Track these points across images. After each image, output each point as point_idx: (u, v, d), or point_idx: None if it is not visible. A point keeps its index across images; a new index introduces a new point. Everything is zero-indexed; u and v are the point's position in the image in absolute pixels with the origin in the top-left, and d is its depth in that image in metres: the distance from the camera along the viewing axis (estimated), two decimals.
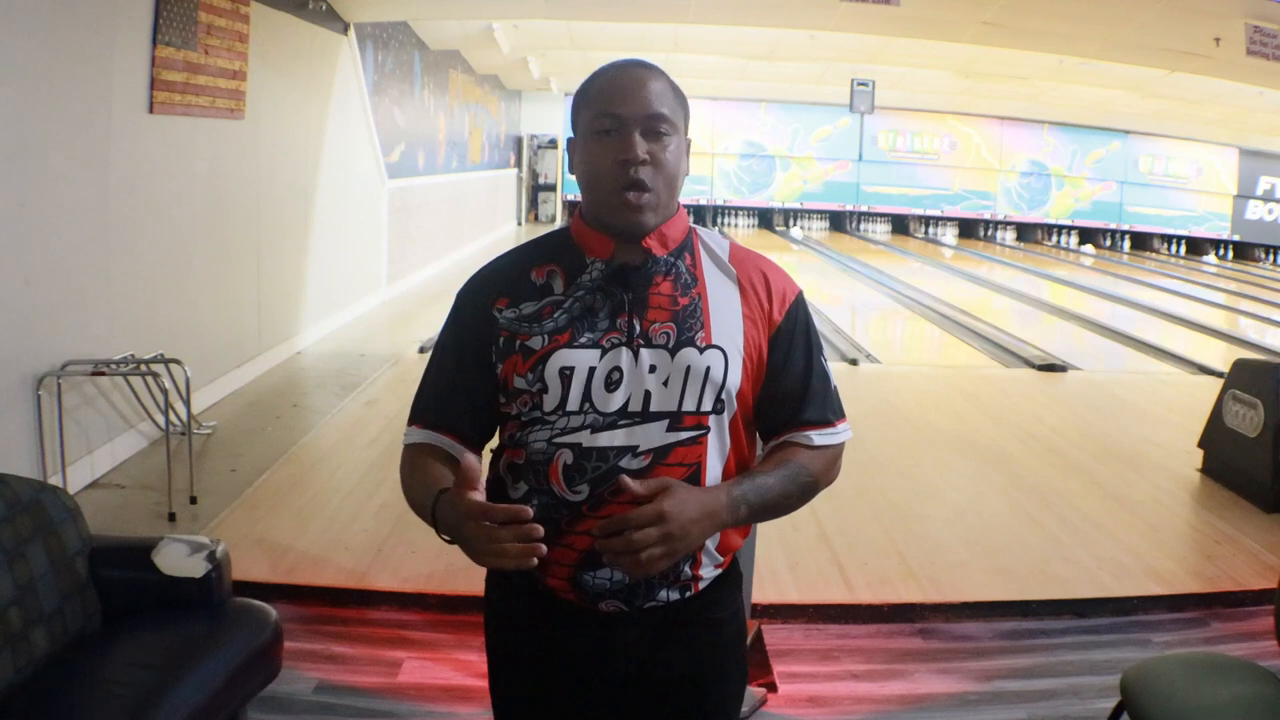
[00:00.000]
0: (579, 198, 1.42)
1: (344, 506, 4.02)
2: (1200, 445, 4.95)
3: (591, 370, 1.33)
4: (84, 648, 2.21)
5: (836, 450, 1.45)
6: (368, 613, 3.24)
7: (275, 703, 2.63)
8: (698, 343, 1.35)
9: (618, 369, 1.33)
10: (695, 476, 1.34)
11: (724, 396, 1.35)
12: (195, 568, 2.38)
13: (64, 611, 2.22)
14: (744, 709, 2.70)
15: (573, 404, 1.33)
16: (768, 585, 3.35)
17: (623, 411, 1.33)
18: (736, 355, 1.37)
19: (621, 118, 1.33)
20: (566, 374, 1.33)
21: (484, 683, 1.53)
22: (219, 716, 2.19)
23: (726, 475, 1.38)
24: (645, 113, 1.33)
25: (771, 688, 2.87)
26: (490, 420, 1.43)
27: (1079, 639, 3.26)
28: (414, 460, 1.42)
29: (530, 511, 1.21)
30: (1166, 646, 3.22)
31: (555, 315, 1.36)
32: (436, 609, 3.23)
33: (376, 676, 2.87)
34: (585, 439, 1.33)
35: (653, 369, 1.34)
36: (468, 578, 3.17)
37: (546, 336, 1.34)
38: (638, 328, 1.34)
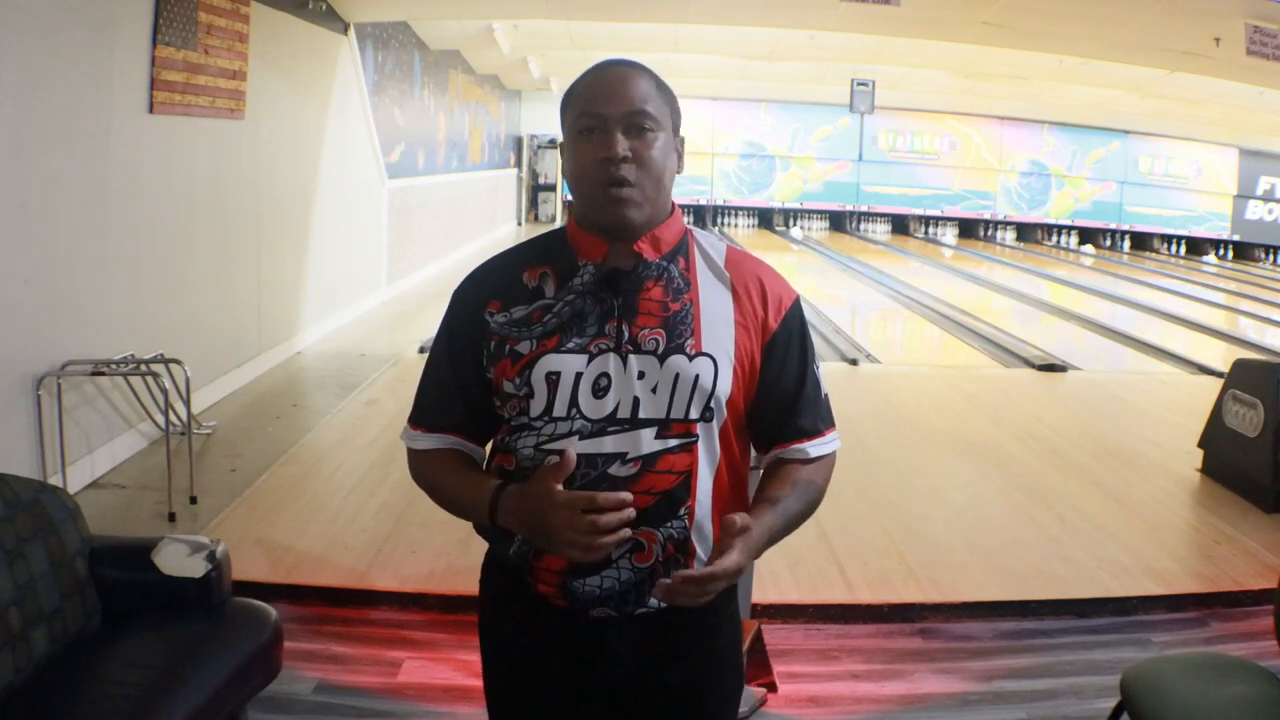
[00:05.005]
0: None
1: (344, 506, 4.02)
2: (1200, 445, 4.95)
3: (578, 376, 1.32)
4: (84, 648, 2.21)
5: (831, 459, 1.45)
6: (368, 613, 3.24)
7: (275, 703, 2.63)
8: (687, 350, 1.33)
9: (605, 375, 1.32)
10: (685, 485, 1.34)
11: (713, 404, 1.34)
12: (195, 568, 2.38)
13: (64, 611, 2.22)
14: (744, 709, 2.70)
15: (559, 410, 1.32)
16: (768, 585, 3.35)
17: (611, 418, 1.32)
18: (727, 363, 1.35)
19: (603, 116, 1.33)
20: (553, 379, 1.32)
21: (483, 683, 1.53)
22: (219, 716, 2.18)
23: (717, 483, 1.37)
24: (627, 110, 1.33)
25: (771, 688, 2.87)
26: (490, 420, 1.43)
27: (1079, 639, 3.26)
28: (437, 463, 1.43)
29: (630, 498, 1.25)
30: (1166, 646, 3.22)
31: (544, 319, 1.35)
32: (436, 609, 3.23)
33: (376, 676, 2.87)
34: (574, 445, 1.32)
35: (641, 375, 1.32)
36: (467, 578, 3.16)
37: (534, 341, 1.34)
38: (626, 333, 1.33)
